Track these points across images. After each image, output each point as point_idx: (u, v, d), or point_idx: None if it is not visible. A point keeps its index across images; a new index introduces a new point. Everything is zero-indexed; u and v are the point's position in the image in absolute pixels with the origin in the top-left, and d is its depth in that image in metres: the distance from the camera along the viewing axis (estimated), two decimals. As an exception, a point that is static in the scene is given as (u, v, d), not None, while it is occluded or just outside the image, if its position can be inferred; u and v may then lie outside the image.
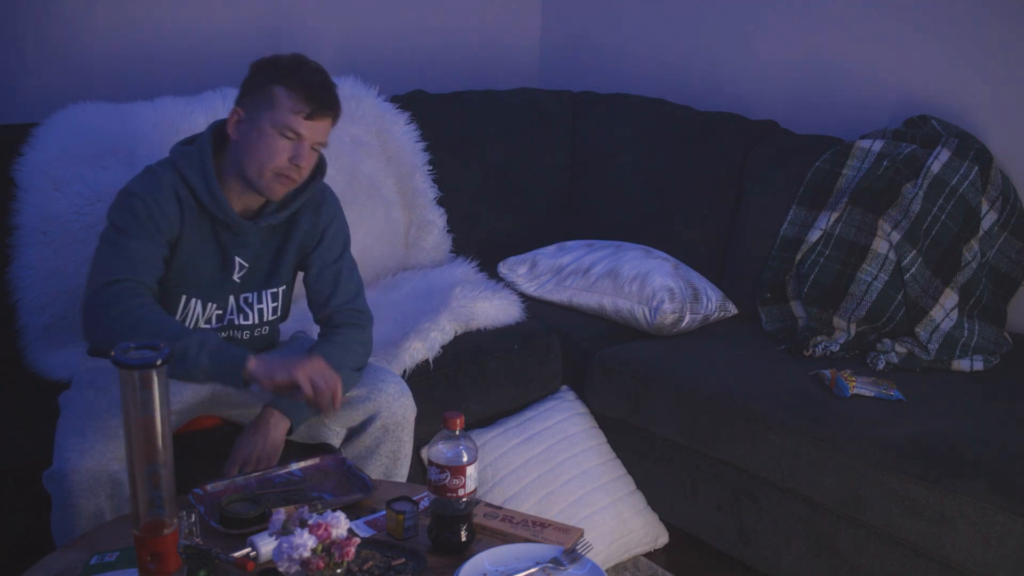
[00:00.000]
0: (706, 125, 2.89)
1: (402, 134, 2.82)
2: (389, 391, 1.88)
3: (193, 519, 1.39)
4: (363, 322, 1.95)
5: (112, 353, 1.21)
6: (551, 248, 2.82)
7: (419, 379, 2.23)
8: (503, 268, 2.82)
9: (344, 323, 1.91)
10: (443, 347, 2.34)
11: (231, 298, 1.89)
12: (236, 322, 1.91)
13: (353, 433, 1.90)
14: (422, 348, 2.27)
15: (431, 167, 2.86)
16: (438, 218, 2.86)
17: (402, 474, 1.94)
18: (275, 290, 1.93)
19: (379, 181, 2.73)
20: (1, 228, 2.20)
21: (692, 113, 2.96)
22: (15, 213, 2.19)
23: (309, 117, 1.75)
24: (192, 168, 1.80)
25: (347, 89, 2.76)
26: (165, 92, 2.52)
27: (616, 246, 2.72)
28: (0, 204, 2.20)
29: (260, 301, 1.92)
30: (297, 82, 1.75)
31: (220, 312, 1.88)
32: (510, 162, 3.06)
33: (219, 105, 2.51)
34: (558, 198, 3.13)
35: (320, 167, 1.90)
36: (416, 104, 2.95)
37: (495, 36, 3.59)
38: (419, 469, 2.24)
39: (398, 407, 1.88)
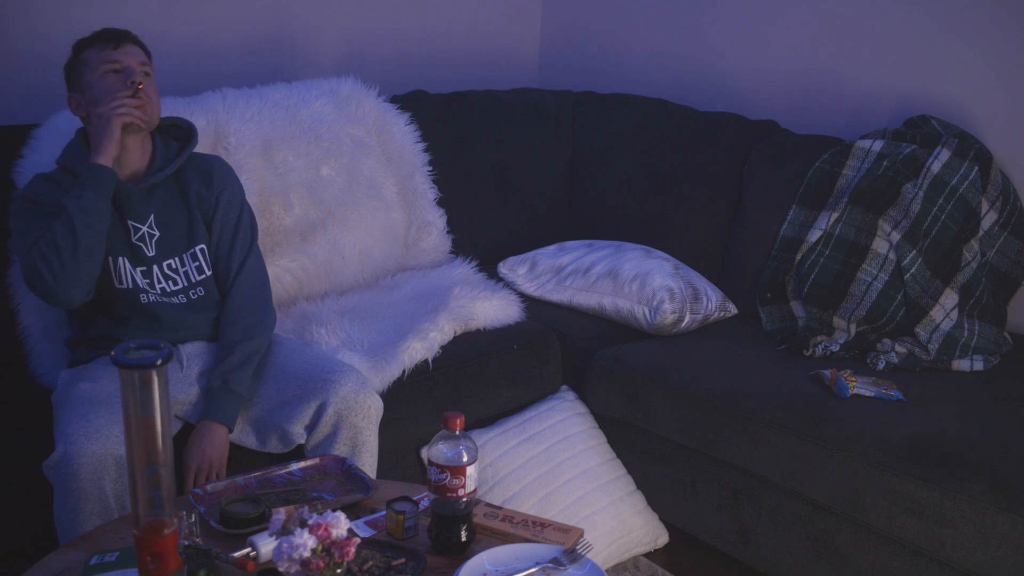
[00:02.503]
0: (706, 125, 2.89)
1: (402, 135, 2.82)
2: (334, 379, 1.90)
3: (193, 519, 1.39)
4: (259, 324, 2.00)
5: (112, 353, 1.21)
6: (551, 248, 2.82)
7: (419, 379, 2.23)
8: (503, 268, 2.82)
9: (239, 339, 1.95)
10: (442, 347, 2.34)
11: (155, 268, 1.96)
12: (168, 289, 1.98)
13: (310, 427, 1.91)
14: (421, 348, 2.27)
15: (431, 167, 2.86)
16: (438, 219, 2.86)
17: (367, 464, 1.94)
18: (193, 250, 2.00)
19: (379, 182, 2.73)
20: (1, 231, 2.20)
21: (692, 113, 2.96)
22: (14, 214, 2.19)
23: (114, 47, 1.94)
24: (67, 153, 1.97)
25: (347, 89, 2.76)
26: (165, 92, 2.51)
27: (616, 246, 2.72)
28: (0, 206, 2.20)
29: (184, 264, 1.99)
30: (91, 38, 1.97)
31: (148, 282, 1.95)
32: (510, 162, 3.06)
33: (219, 105, 2.51)
34: (558, 198, 3.13)
35: (190, 133, 2.06)
36: (416, 104, 2.95)
37: (495, 36, 3.59)
38: (419, 469, 2.24)
39: (346, 392, 1.89)
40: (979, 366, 2.29)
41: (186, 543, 1.36)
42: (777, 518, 2.10)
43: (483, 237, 2.99)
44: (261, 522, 1.49)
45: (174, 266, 1.98)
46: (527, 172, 3.09)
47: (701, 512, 2.27)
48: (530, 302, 2.64)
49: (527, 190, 3.09)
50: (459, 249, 2.90)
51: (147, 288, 1.95)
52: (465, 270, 2.74)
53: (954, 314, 2.36)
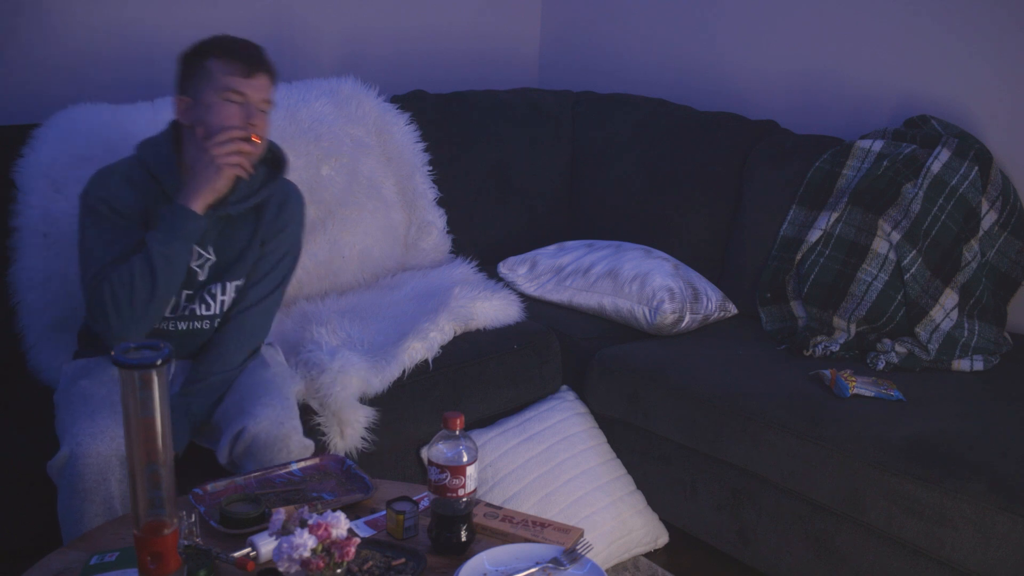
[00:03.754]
0: (706, 125, 2.89)
1: (402, 135, 2.82)
2: (256, 413, 1.79)
3: (193, 519, 1.39)
4: (243, 361, 1.93)
5: (112, 353, 1.22)
6: (551, 248, 2.82)
7: (419, 379, 2.23)
8: (503, 268, 2.82)
9: (217, 370, 1.89)
10: (442, 347, 2.34)
11: (201, 292, 1.90)
12: (197, 312, 1.92)
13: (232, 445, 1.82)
14: (421, 348, 2.27)
15: (431, 167, 2.86)
16: (438, 218, 2.86)
17: None
18: (238, 282, 1.94)
19: (379, 182, 2.73)
20: (1, 230, 2.20)
21: (692, 113, 2.96)
22: (15, 215, 2.19)
23: (247, 75, 1.81)
24: (154, 154, 1.85)
25: (347, 89, 2.76)
26: (165, 92, 2.52)
27: (616, 246, 2.72)
28: (0, 206, 2.20)
29: (223, 293, 1.93)
30: (225, 50, 1.83)
31: (191, 292, 1.89)
32: (510, 162, 3.06)
33: (219, 105, 2.51)
34: (558, 198, 3.13)
35: (281, 161, 1.96)
36: (416, 104, 2.95)
37: (495, 36, 3.59)
38: (419, 469, 2.24)
39: (267, 425, 1.78)
40: (979, 366, 2.29)
41: (186, 543, 1.36)
42: (777, 518, 2.10)
43: (483, 237, 2.99)
44: (261, 522, 1.49)
45: (214, 291, 1.91)
46: (527, 172, 3.09)
47: (701, 512, 2.27)
48: (530, 302, 2.64)
49: (527, 190, 3.09)
50: (459, 249, 2.90)
51: (184, 310, 1.89)
52: (465, 270, 2.74)
53: (954, 314, 2.36)
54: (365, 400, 2.12)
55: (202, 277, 1.90)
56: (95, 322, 1.79)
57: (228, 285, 1.92)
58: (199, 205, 1.78)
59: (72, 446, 1.64)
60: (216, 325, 1.94)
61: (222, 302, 1.93)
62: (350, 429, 2.05)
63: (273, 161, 1.97)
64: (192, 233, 1.78)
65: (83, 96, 2.37)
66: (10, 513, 1.76)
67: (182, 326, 1.91)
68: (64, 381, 1.87)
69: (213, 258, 1.90)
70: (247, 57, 1.82)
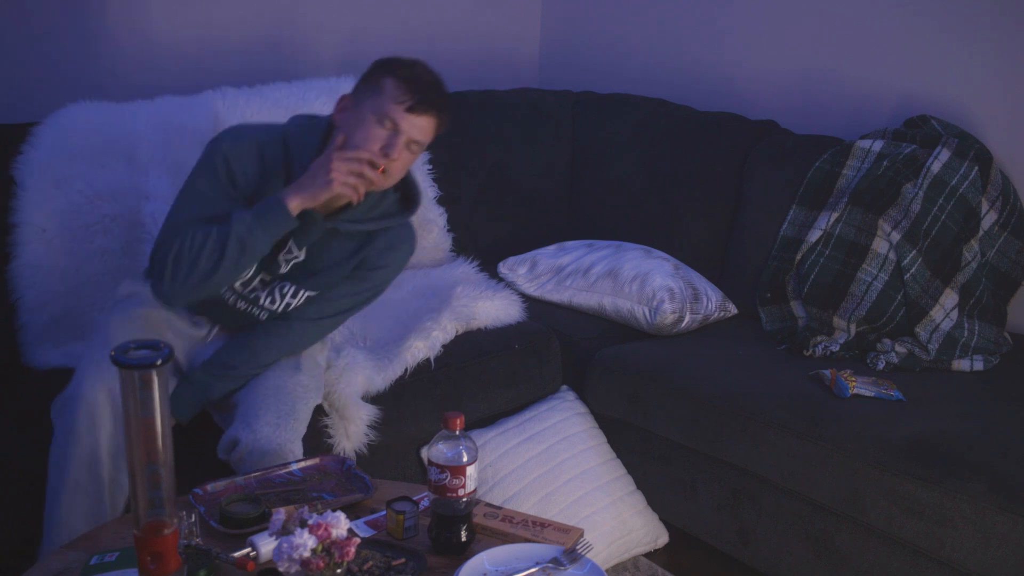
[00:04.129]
0: (706, 125, 2.89)
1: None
2: (256, 428, 1.77)
3: (193, 519, 1.39)
4: (274, 364, 1.91)
5: (112, 353, 1.21)
6: (551, 248, 2.82)
7: (419, 378, 2.23)
8: (503, 268, 2.82)
9: (249, 367, 1.87)
10: (444, 346, 2.34)
11: (275, 284, 1.89)
12: (260, 300, 1.91)
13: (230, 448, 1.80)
14: (423, 347, 2.27)
15: (431, 166, 2.86)
16: (438, 217, 2.86)
17: None
18: (311, 293, 1.91)
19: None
20: (1, 226, 2.20)
21: (692, 113, 2.96)
22: (15, 211, 2.19)
23: (410, 109, 1.74)
24: (299, 137, 1.81)
25: (347, 89, 2.75)
26: (165, 91, 2.52)
27: (616, 246, 2.72)
28: (0, 202, 2.20)
29: (294, 296, 1.91)
30: (406, 74, 1.76)
31: (266, 278, 1.87)
32: (510, 162, 3.06)
33: (219, 105, 2.51)
34: (558, 198, 3.13)
35: (414, 200, 1.92)
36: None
37: (495, 36, 3.59)
38: (419, 469, 2.24)
39: (266, 444, 1.76)
40: (979, 366, 2.29)
41: (186, 543, 1.36)
42: (777, 518, 2.10)
43: (483, 237, 2.99)
44: (261, 522, 1.49)
45: (286, 290, 1.90)
46: (527, 172, 3.08)
47: (701, 512, 2.27)
48: (530, 302, 2.64)
49: (527, 190, 3.09)
50: (459, 248, 2.90)
51: (251, 292, 1.89)
52: (467, 269, 2.74)
53: (954, 314, 2.36)
54: (367, 398, 2.12)
55: (283, 270, 1.87)
56: (151, 269, 1.77)
57: (302, 292, 1.90)
58: (295, 205, 1.73)
59: (74, 387, 1.64)
60: (266, 317, 1.93)
61: (287, 304, 1.91)
62: (354, 427, 2.05)
63: (406, 199, 1.94)
64: (276, 228, 1.74)
65: (83, 95, 2.38)
66: (10, 513, 1.76)
67: (241, 305, 1.90)
68: (111, 308, 1.86)
69: (302, 258, 1.86)
70: (422, 93, 1.75)
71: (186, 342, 1.94)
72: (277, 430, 1.78)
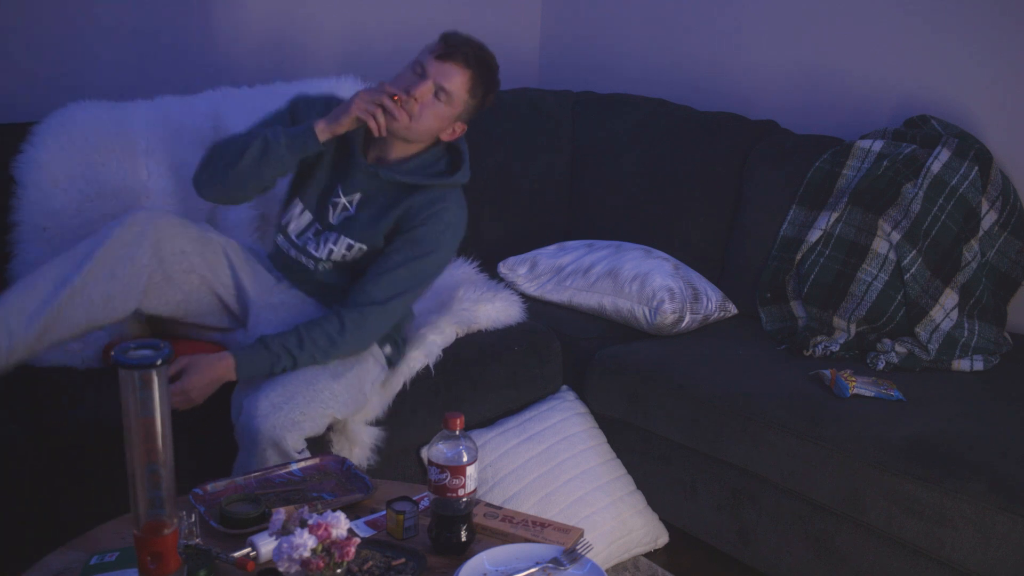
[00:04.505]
0: (706, 125, 2.89)
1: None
2: (259, 403, 1.82)
3: (193, 519, 1.39)
4: (357, 318, 1.95)
5: (112, 353, 1.21)
6: (551, 248, 2.82)
7: (419, 379, 2.23)
8: (503, 268, 2.82)
9: (321, 350, 1.92)
10: (444, 349, 2.34)
11: (324, 233, 2.03)
12: (310, 249, 2.05)
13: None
14: (421, 356, 2.25)
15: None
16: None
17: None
18: (356, 244, 2.01)
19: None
20: (1, 225, 2.20)
21: (692, 113, 2.96)
22: (15, 210, 2.20)
23: (439, 57, 1.92)
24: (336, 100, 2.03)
25: (347, 90, 2.76)
26: (165, 90, 2.52)
27: (616, 246, 2.72)
28: (0, 201, 2.20)
29: (336, 244, 2.02)
30: (446, 35, 1.98)
31: (318, 229, 2.04)
32: (510, 162, 3.06)
33: (219, 105, 2.50)
34: (558, 198, 3.13)
35: (458, 162, 2.05)
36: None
37: (495, 36, 3.57)
38: (419, 469, 2.24)
39: (260, 425, 1.80)
40: (979, 366, 2.29)
41: (186, 543, 1.36)
42: (777, 518, 2.10)
43: (483, 237, 2.99)
44: (261, 522, 1.49)
45: (333, 240, 2.01)
46: (527, 172, 3.08)
47: (701, 512, 2.27)
48: (530, 302, 2.64)
49: (527, 190, 3.09)
50: (460, 248, 2.89)
51: (300, 236, 2.05)
52: (467, 270, 2.73)
53: (954, 314, 2.36)
54: (370, 420, 2.11)
55: (332, 220, 2.02)
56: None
57: (344, 239, 2.01)
58: (320, 128, 1.91)
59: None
60: (319, 268, 2.04)
61: (330, 250, 2.02)
62: (359, 449, 2.05)
63: (452, 163, 2.05)
64: (299, 143, 1.92)
65: (83, 95, 2.38)
66: (10, 512, 1.76)
67: (292, 253, 2.08)
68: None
69: (352, 211, 2.01)
70: (453, 45, 1.94)
71: (259, 285, 2.07)
72: (276, 413, 1.79)
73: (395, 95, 1.88)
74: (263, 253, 2.21)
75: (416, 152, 2.02)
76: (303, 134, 1.92)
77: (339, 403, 1.93)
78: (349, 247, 2.01)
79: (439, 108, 1.95)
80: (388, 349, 2.16)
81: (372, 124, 1.89)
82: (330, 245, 2.02)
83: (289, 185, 2.12)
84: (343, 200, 2.01)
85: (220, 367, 1.86)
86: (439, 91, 1.93)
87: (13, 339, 1.77)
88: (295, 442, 1.81)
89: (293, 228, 2.07)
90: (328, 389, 1.91)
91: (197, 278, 2.00)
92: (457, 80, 1.94)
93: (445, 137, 2.03)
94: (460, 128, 2.03)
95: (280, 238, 2.11)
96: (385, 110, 1.88)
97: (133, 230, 1.90)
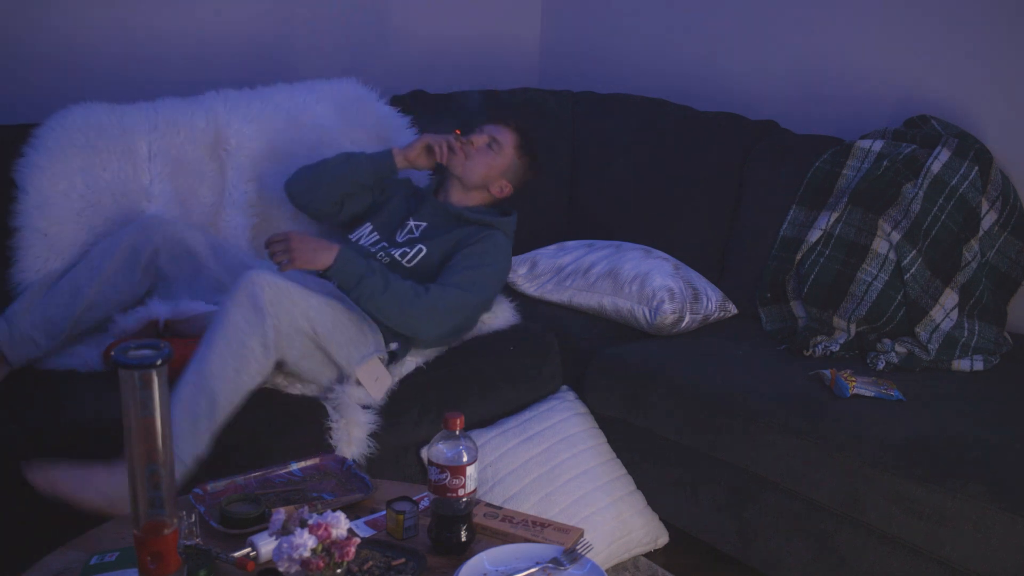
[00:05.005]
0: (706, 125, 2.89)
1: (403, 139, 2.81)
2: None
3: (193, 519, 1.39)
4: (431, 294, 2.17)
5: (112, 353, 1.22)
6: (551, 248, 2.82)
7: (419, 379, 2.23)
8: (503, 268, 2.82)
9: (410, 285, 2.17)
10: (444, 349, 2.34)
11: (391, 249, 2.33)
12: (378, 255, 2.31)
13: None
14: (411, 360, 2.27)
15: (431, 170, 2.86)
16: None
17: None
18: (419, 245, 2.31)
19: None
20: (2, 230, 2.20)
21: (692, 113, 2.96)
22: (16, 215, 2.20)
23: (493, 121, 2.51)
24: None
25: (349, 92, 2.76)
26: (165, 92, 2.52)
27: (616, 246, 2.72)
28: (1, 206, 2.20)
29: (404, 253, 2.32)
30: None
31: (384, 246, 2.35)
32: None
33: (219, 106, 2.50)
34: (558, 198, 3.13)
35: (507, 208, 2.47)
36: (416, 104, 2.94)
37: (495, 36, 3.59)
38: (419, 469, 2.24)
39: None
40: (979, 366, 2.29)
41: (186, 543, 1.36)
42: (777, 518, 2.10)
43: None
44: (261, 522, 1.49)
45: (398, 252, 2.32)
46: (467, 134, 3.06)
47: (701, 512, 2.27)
48: (530, 302, 2.64)
49: (527, 190, 3.07)
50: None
51: (377, 250, 2.33)
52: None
53: (954, 314, 2.36)
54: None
55: (399, 239, 2.37)
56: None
57: (411, 249, 2.32)
58: (396, 152, 2.42)
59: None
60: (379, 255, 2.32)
61: (403, 252, 2.32)
62: (358, 431, 2.05)
63: (503, 213, 2.46)
64: (377, 160, 2.41)
65: (83, 95, 2.38)
66: (9, 512, 1.76)
67: (380, 254, 2.34)
68: None
69: (417, 236, 2.37)
70: (503, 115, 2.55)
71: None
72: (276, 278, 1.96)
73: (457, 132, 2.41)
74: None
75: (473, 204, 2.45)
76: (384, 155, 2.41)
77: (322, 320, 2.02)
78: (418, 251, 2.30)
79: (490, 156, 2.43)
80: (394, 345, 2.20)
81: (436, 151, 2.37)
82: (403, 249, 2.32)
83: (358, 215, 2.48)
84: (412, 224, 2.39)
85: (325, 244, 2.09)
86: (492, 142, 2.44)
87: (40, 349, 2.07)
88: (266, 301, 1.91)
89: (362, 242, 2.38)
90: (325, 309, 2.04)
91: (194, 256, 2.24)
92: (507, 136, 2.46)
93: (494, 191, 2.46)
94: (507, 187, 2.47)
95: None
96: (448, 146, 2.38)
97: (136, 236, 2.17)
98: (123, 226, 2.25)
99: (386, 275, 2.14)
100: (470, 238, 2.31)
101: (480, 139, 2.44)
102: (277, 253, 2.04)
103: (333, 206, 2.43)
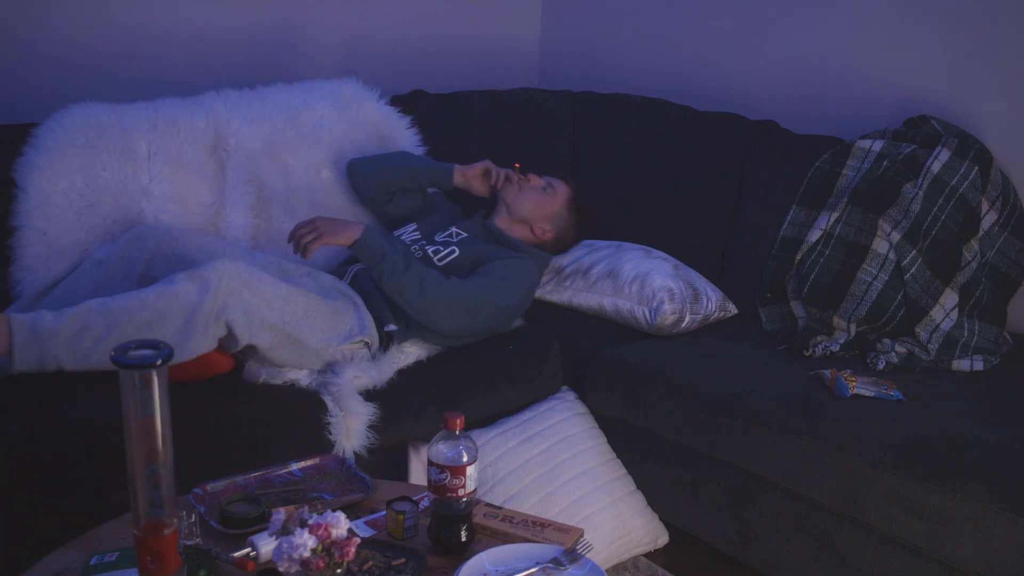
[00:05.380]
0: (706, 125, 2.89)
1: (404, 139, 2.82)
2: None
3: (193, 519, 1.39)
4: (452, 283, 2.24)
5: (112, 353, 1.22)
6: (551, 248, 2.82)
7: (419, 378, 2.23)
8: (503, 268, 2.82)
9: (427, 271, 2.25)
10: (444, 349, 2.34)
11: (427, 245, 2.45)
12: (415, 251, 2.41)
13: None
14: (413, 351, 2.27)
15: (431, 167, 2.87)
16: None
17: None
18: (452, 245, 2.43)
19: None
20: (1, 229, 2.20)
21: (692, 113, 2.96)
22: (15, 214, 2.20)
23: (551, 173, 2.67)
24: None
25: (349, 92, 2.76)
26: (165, 92, 2.52)
27: (616, 246, 2.71)
28: (1, 205, 2.20)
29: (432, 246, 2.45)
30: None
31: (423, 243, 2.46)
32: (510, 162, 3.05)
33: (219, 106, 2.51)
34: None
35: (550, 245, 2.61)
36: (416, 104, 2.94)
37: (495, 36, 3.59)
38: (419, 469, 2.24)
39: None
40: (979, 366, 2.29)
41: (186, 543, 1.36)
42: (777, 518, 2.10)
43: (483, 237, 2.99)
44: (261, 522, 1.49)
45: (438, 241, 2.46)
46: (527, 172, 3.07)
47: (701, 512, 2.27)
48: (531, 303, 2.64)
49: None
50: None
51: (415, 248, 2.43)
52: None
53: (954, 314, 2.36)
54: (363, 394, 2.12)
55: (438, 239, 2.48)
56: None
57: (445, 248, 2.43)
58: (456, 170, 2.57)
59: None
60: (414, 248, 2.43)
61: (437, 249, 2.43)
62: (355, 423, 2.05)
63: (541, 245, 2.60)
64: (436, 169, 2.59)
65: (83, 95, 2.38)
66: (10, 512, 1.76)
67: (415, 247, 2.45)
68: None
69: (455, 241, 2.46)
70: (563, 174, 2.69)
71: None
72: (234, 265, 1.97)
73: (517, 165, 2.55)
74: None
75: (514, 236, 2.56)
76: (444, 166, 2.58)
77: (291, 309, 2.04)
78: (451, 252, 2.41)
79: (543, 196, 2.57)
80: (392, 327, 2.25)
81: (493, 175, 2.53)
82: (437, 247, 2.44)
83: (405, 216, 2.63)
84: (454, 230, 2.52)
85: (352, 221, 2.20)
86: (548, 186, 2.58)
87: (64, 369, 1.96)
88: (217, 280, 1.91)
89: (403, 237, 2.50)
90: (295, 297, 2.06)
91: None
92: (563, 187, 2.61)
93: (536, 231, 2.57)
94: (549, 232, 2.58)
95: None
96: (506, 175, 2.54)
97: (130, 248, 2.17)
98: (120, 234, 2.25)
99: (409, 257, 2.22)
100: (502, 254, 2.43)
101: (537, 180, 2.57)
102: (305, 235, 2.13)
103: (384, 195, 2.61)
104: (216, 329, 1.92)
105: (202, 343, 1.90)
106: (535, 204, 2.56)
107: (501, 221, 2.58)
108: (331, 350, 2.12)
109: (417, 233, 2.52)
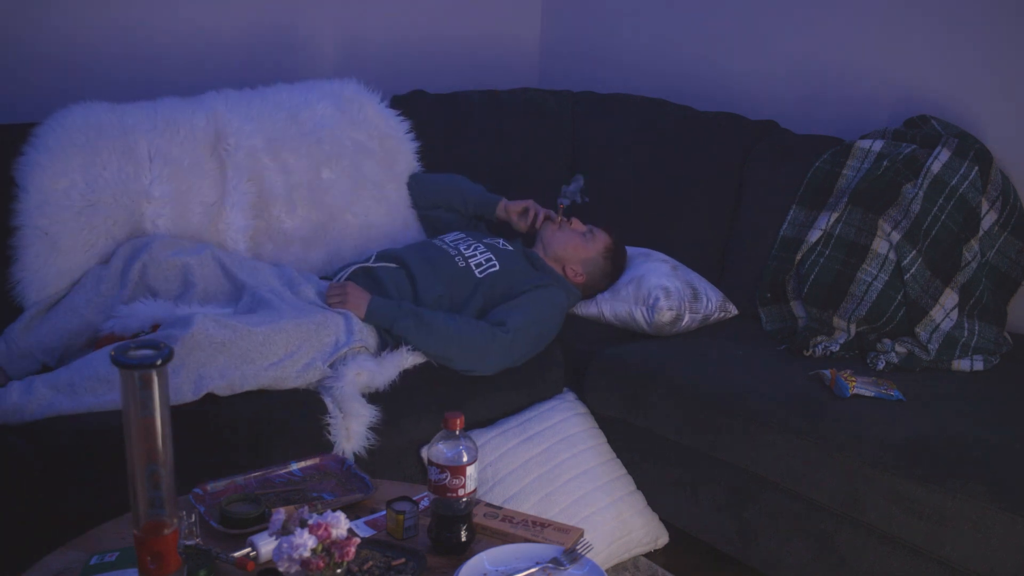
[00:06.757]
0: (706, 125, 2.89)
1: (404, 139, 2.82)
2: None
3: (193, 519, 1.39)
4: (492, 332, 2.27)
5: (112, 353, 1.22)
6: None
7: (419, 379, 2.23)
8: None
9: (445, 316, 2.29)
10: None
11: (466, 253, 2.48)
12: (459, 249, 2.50)
13: None
14: (411, 357, 2.27)
15: (431, 168, 2.86)
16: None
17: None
18: (490, 255, 2.48)
19: (380, 184, 2.74)
20: (2, 229, 2.20)
21: (692, 113, 2.96)
22: (17, 214, 2.19)
23: (591, 223, 2.67)
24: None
25: (349, 92, 2.76)
26: (165, 92, 2.52)
27: (616, 248, 2.72)
28: (1, 205, 2.20)
29: (477, 250, 2.49)
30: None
31: (461, 242, 2.53)
32: (510, 162, 3.06)
33: (220, 105, 2.50)
34: (558, 198, 3.13)
35: (579, 289, 2.57)
36: (416, 104, 2.94)
37: (495, 36, 3.59)
38: (419, 469, 2.24)
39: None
40: (979, 366, 2.29)
41: (186, 543, 1.36)
42: (777, 518, 2.10)
43: (483, 237, 2.99)
44: (261, 522, 1.49)
45: (475, 248, 2.50)
46: (527, 172, 3.08)
47: (701, 512, 2.27)
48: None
49: (527, 190, 3.08)
50: (460, 250, 2.91)
51: (455, 243, 2.51)
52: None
53: (954, 314, 2.36)
54: (365, 395, 2.12)
55: (486, 240, 2.54)
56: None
57: (482, 253, 2.49)
58: (502, 203, 2.66)
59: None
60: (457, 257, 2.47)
61: (473, 257, 2.47)
62: (356, 425, 2.05)
63: (574, 281, 2.58)
64: (483, 197, 2.70)
65: (83, 95, 2.38)
66: (9, 512, 1.76)
67: (444, 247, 2.51)
68: None
69: (500, 248, 2.51)
70: (607, 228, 2.66)
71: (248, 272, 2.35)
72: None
73: (561, 207, 2.57)
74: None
75: (549, 264, 2.57)
76: (491, 199, 2.67)
77: (272, 351, 2.06)
78: (491, 265, 2.44)
79: (580, 239, 2.56)
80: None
81: (532, 212, 2.59)
82: (472, 251, 2.48)
83: (449, 227, 2.71)
84: (502, 241, 2.56)
85: (365, 298, 2.26)
86: (588, 231, 2.58)
87: (38, 364, 2.12)
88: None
89: (448, 239, 2.56)
90: (274, 337, 2.06)
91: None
92: (604, 236, 2.59)
93: (568, 272, 2.55)
94: (581, 276, 2.55)
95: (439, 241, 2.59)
96: (547, 215, 2.60)
97: (124, 259, 2.23)
98: (119, 245, 2.28)
99: (418, 314, 2.25)
100: (534, 281, 2.43)
101: (579, 224, 2.59)
102: (334, 296, 2.26)
103: (430, 206, 2.75)
104: (195, 396, 1.93)
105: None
106: (572, 246, 2.56)
107: (538, 253, 2.61)
108: (317, 372, 2.11)
109: (462, 234, 2.58)
